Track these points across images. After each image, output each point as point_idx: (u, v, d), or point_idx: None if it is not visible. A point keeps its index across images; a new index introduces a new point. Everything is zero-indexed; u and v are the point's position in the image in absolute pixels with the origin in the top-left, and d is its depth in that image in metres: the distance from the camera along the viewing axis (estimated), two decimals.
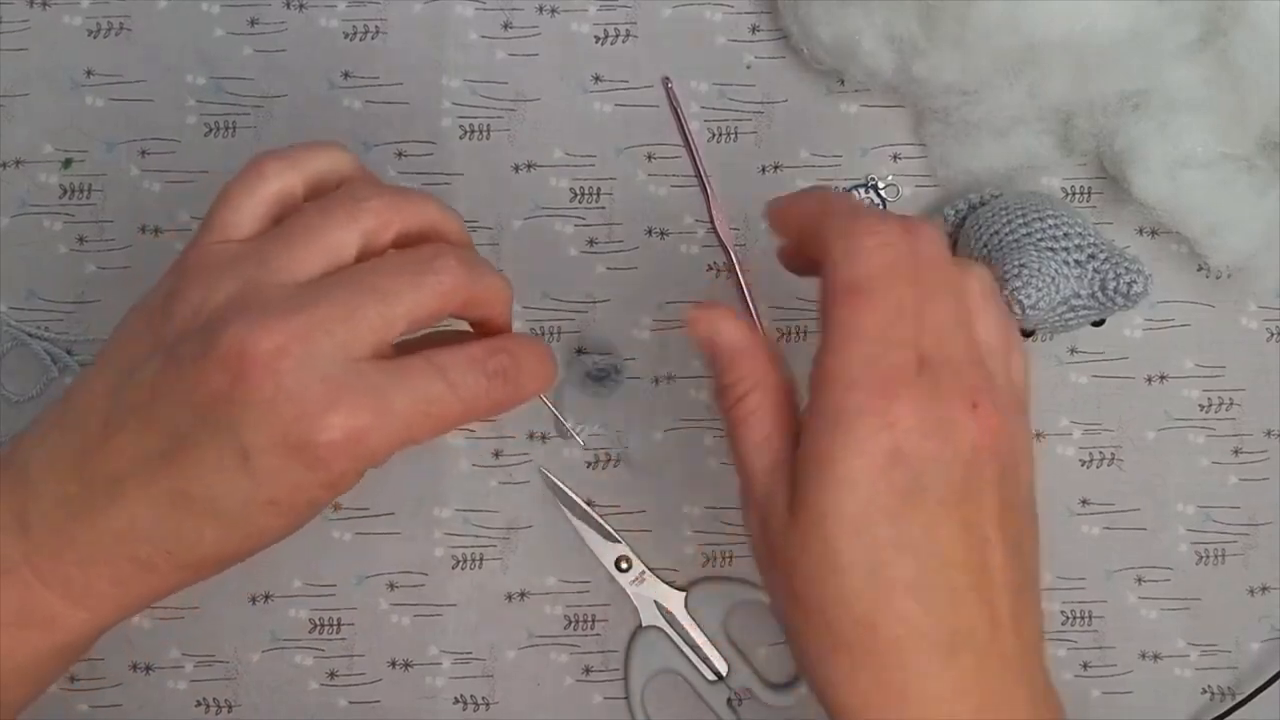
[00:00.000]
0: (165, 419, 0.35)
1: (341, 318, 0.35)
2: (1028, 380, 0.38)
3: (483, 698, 0.55)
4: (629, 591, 0.55)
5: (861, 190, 0.57)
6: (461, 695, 0.55)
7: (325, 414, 0.34)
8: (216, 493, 0.35)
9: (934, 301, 0.35)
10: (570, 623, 0.56)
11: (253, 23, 0.56)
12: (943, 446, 0.33)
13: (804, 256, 0.37)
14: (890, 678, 0.34)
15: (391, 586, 0.55)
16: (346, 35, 0.56)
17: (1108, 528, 0.57)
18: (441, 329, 0.42)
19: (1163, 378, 0.57)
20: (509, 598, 0.56)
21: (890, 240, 0.35)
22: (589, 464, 0.56)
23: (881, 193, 0.57)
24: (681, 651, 0.55)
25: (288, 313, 0.34)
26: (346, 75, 0.56)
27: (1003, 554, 0.35)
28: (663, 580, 0.55)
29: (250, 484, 0.35)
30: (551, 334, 0.56)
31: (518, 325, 0.56)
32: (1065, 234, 0.49)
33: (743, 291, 0.56)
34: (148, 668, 0.54)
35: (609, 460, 0.56)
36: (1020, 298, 0.48)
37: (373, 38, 0.56)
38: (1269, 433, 0.57)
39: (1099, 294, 0.49)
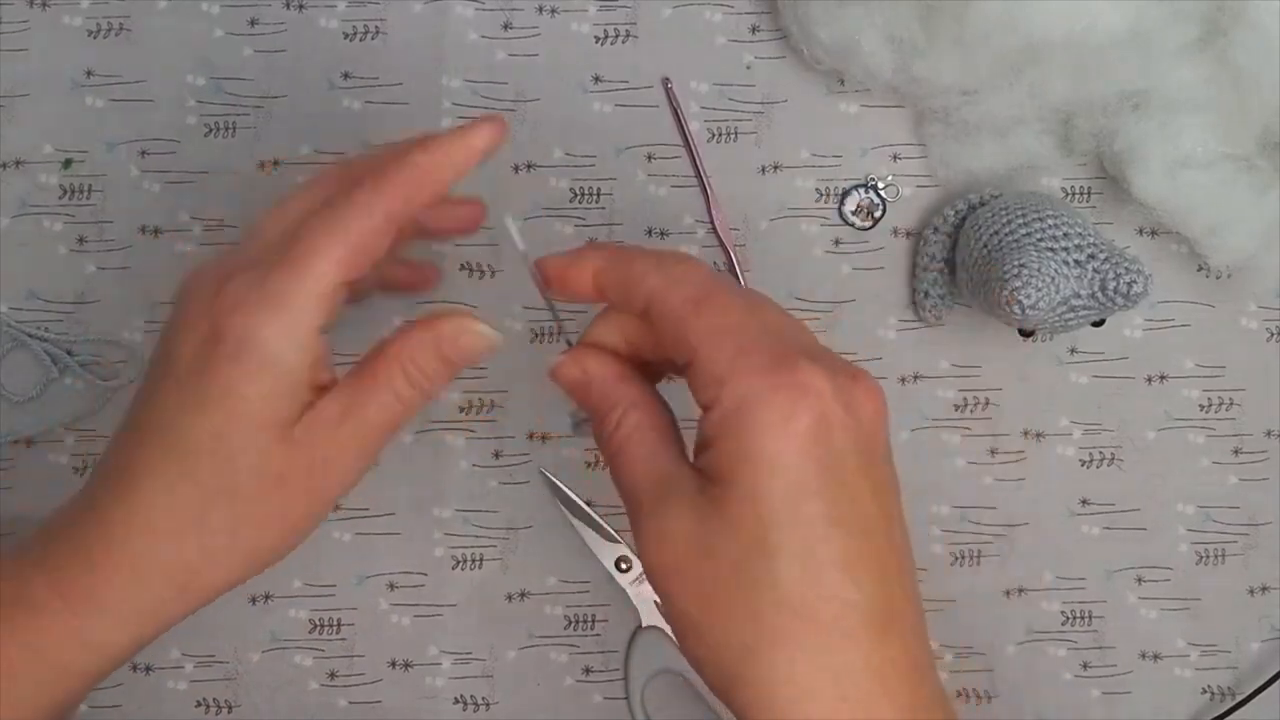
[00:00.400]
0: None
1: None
2: None
3: (483, 698, 0.55)
4: (629, 591, 0.55)
5: (861, 190, 0.57)
6: (461, 695, 0.55)
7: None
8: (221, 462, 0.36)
9: (764, 298, 0.37)
10: (570, 623, 0.56)
11: (253, 23, 0.56)
12: (850, 413, 0.34)
13: (625, 306, 0.38)
14: (830, 661, 0.33)
15: (391, 587, 0.55)
16: (346, 35, 0.56)
17: (1108, 528, 0.57)
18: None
19: (1163, 378, 0.57)
20: (509, 598, 0.56)
21: (694, 260, 0.37)
22: (589, 464, 0.56)
23: (881, 193, 0.57)
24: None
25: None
26: (346, 75, 0.56)
27: (900, 528, 0.35)
28: None
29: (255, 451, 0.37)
30: (551, 334, 0.56)
31: (518, 326, 0.56)
32: (1065, 234, 0.49)
33: None
34: (148, 668, 0.54)
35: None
36: (1020, 298, 0.48)
37: (373, 38, 0.56)
38: (1269, 433, 0.57)
39: (1099, 294, 0.49)
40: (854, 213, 0.57)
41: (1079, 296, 0.49)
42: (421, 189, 0.38)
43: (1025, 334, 0.54)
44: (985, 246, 0.51)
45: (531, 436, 0.56)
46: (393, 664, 0.55)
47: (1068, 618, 0.57)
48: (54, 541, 0.38)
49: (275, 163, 0.56)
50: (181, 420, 0.37)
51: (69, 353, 0.55)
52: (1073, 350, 0.57)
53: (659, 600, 0.36)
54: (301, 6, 0.56)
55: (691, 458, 0.36)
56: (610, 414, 0.37)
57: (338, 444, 0.38)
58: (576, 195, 0.56)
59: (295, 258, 0.37)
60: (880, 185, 0.57)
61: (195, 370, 0.37)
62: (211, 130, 0.56)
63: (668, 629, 0.55)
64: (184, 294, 0.39)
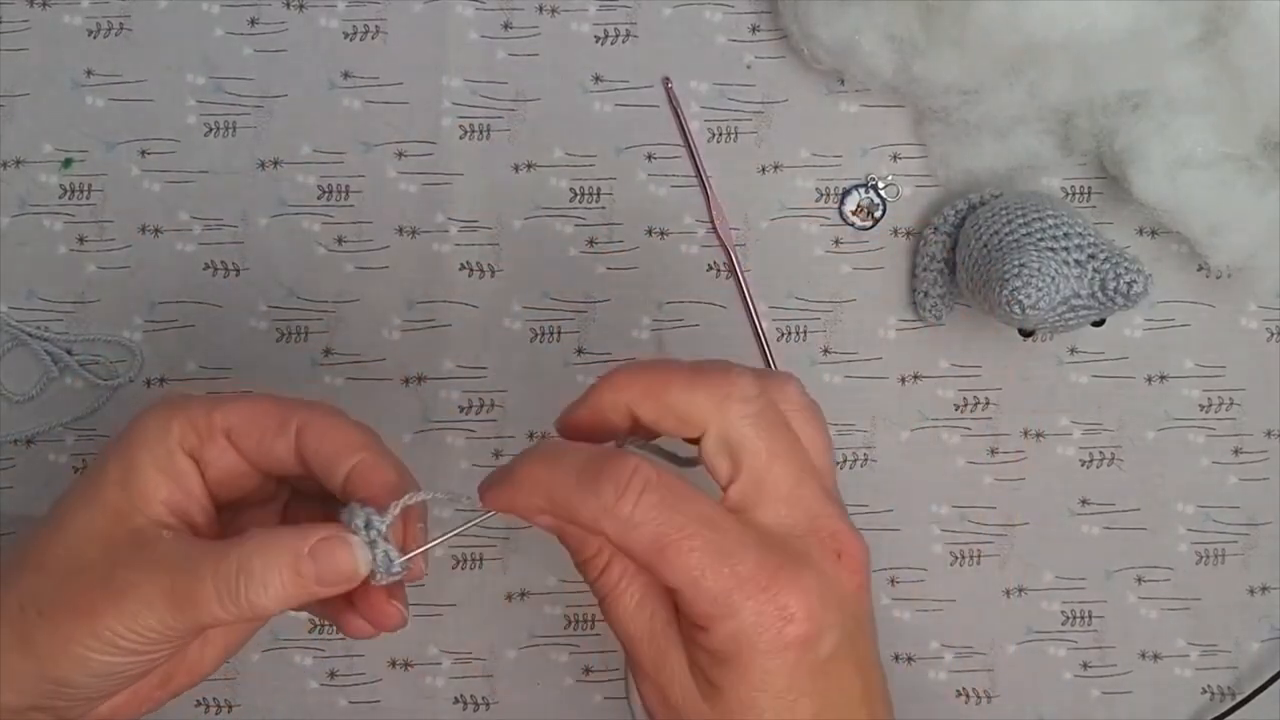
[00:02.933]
0: None
1: None
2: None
3: (483, 698, 0.55)
4: None
5: (861, 190, 0.57)
6: (461, 695, 0.55)
7: None
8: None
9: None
10: (570, 623, 0.56)
11: (253, 23, 0.56)
12: (833, 611, 0.34)
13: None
14: None
15: None
16: (346, 35, 0.56)
17: (1108, 528, 0.57)
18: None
19: (1163, 378, 0.57)
20: (509, 598, 0.56)
21: (642, 475, 0.33)
22: None
23: (881, 193, 0.57)
24: None
25: None
26: (346, 75, 0.56)
27: (879, 671, 0.36)
28: None
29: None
30: (551, 334, 0.56)
31: (519, 326, 0.56)
32: (1065, 234, 0.49)
33: (743, 291, 0.56)
34: None
35: None
36: (1020, 298, 0.48)
37: (373, 38, 0.56)
38: (1269, 433, 0.57)
39: (1099, 294, 0.49)
40: (854, 213, 0.57)
41: (1079, 296, 0.49)
42: (336, 445, 0.38)
43: (1025, 334, 0.54)
44: (985, 246, 0.51)
45: (531, 436, 0.56)
46: (393, 664, 0.55)
47: (1068, 618, 0.57)
48: None
49: (275, 163, 0.56)
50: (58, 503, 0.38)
51: (69, 352, 0.55)
52: (1073, 350, 0.57)
53: None
54: (301, 6, 0.56)
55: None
56: (594, 560, 0.36)
57: (155, 577, 0.35)
58: (576, 195, 0.56)
59: (208, 397, 0.38)
60: (880, 185, 0.57)
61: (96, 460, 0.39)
62: (211, 130, 0.56)
63: None
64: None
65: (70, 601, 0.36)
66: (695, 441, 0.35)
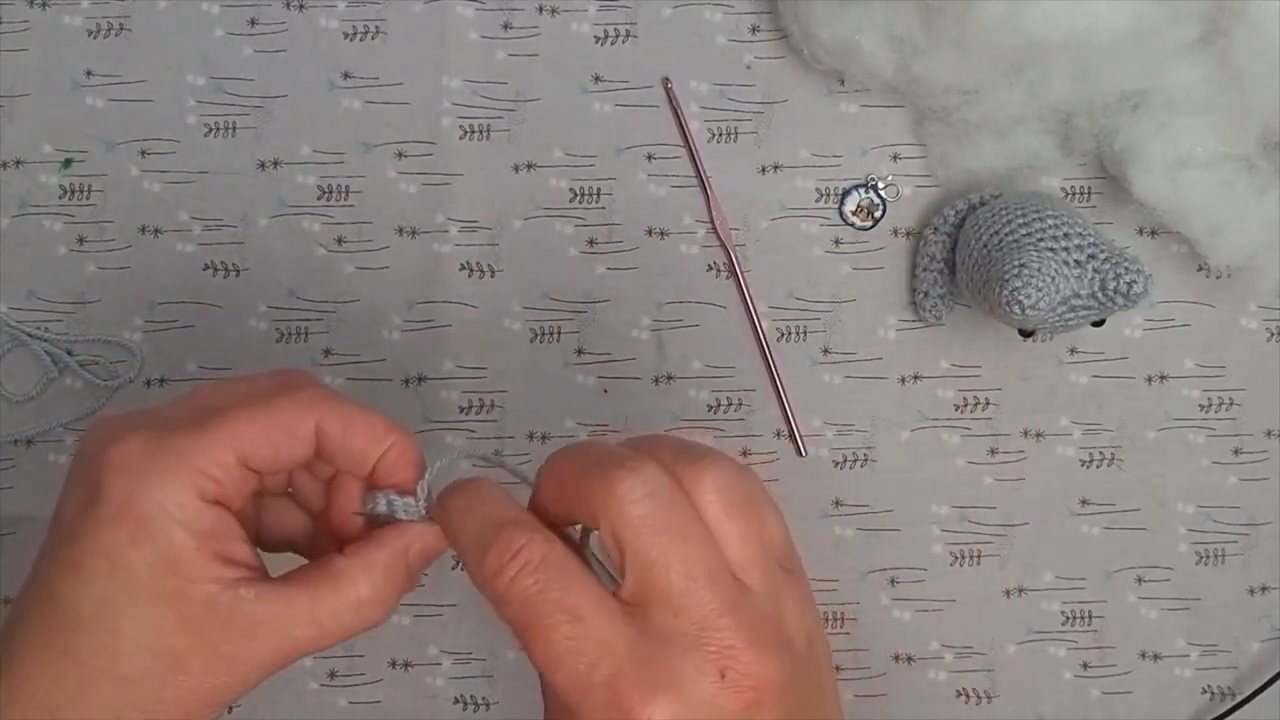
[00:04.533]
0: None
1: None
2: (792, 541, 0.36)
3: (483, 698, 0.55)
4: None
5: (861, 190, 0.57)
6: (461, 695, 0.55)
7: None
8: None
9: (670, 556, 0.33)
10: None
11: (253, 23, 0.56)
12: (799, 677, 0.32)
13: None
14: None
15: None
16: (346, 35, 0.56)
17: (1108, 528, 0.57)
18: None
19: (1163, 378, 0.57)
20: None
21: (524, 564, 0.32)
22: None
23: (881, 193, 0.57)
24: None
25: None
26: (346, 75, 0.56)
27: (834, 702, 0.35)
28: None
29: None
30: (551, 334, 0.56)
31: (518, 326, 0.56)
32: (1065, 234, 0.49)
33: (743, 291, 0.56)
34: None
35: None
36: (1020, 298, 0.48)
37: (373, 38, 0.56)
38: (1269, 433, 0.57)
39: (1099, 294, 0.49)
40: (854, 213, 0.57)
41: (1079, 296, 0.49)
42: (362, 437, 0.37)
43: (1025, 334, 0.54)
44: (985, 246, 0.51)
45: (531, 436, 0.56)
46: (393, 664, 0.55)
47: (1068, 618, 0.57)
48: None
49: (275, 163, 0.56)
50: (62, 586, 0.34)
51: (69, 353, 0.55)
52: (1073, 350, 0.57)
53: None
54: (301, 6, 0.56)
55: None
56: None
57: (257, 638, 0.35)
58: (576, 195, 0.56)
59: (207, 426, 0.35)
60: (880, 185, 0.57)
61: (76, 533, 0.34)
62: (211, 130, 0.56)
63: None
64: (77, 448, 0.36)
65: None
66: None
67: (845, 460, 0.56)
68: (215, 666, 0.35)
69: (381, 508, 0.37)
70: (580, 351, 0.56)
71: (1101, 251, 0.49)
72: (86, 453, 0.35)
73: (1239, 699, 0.56)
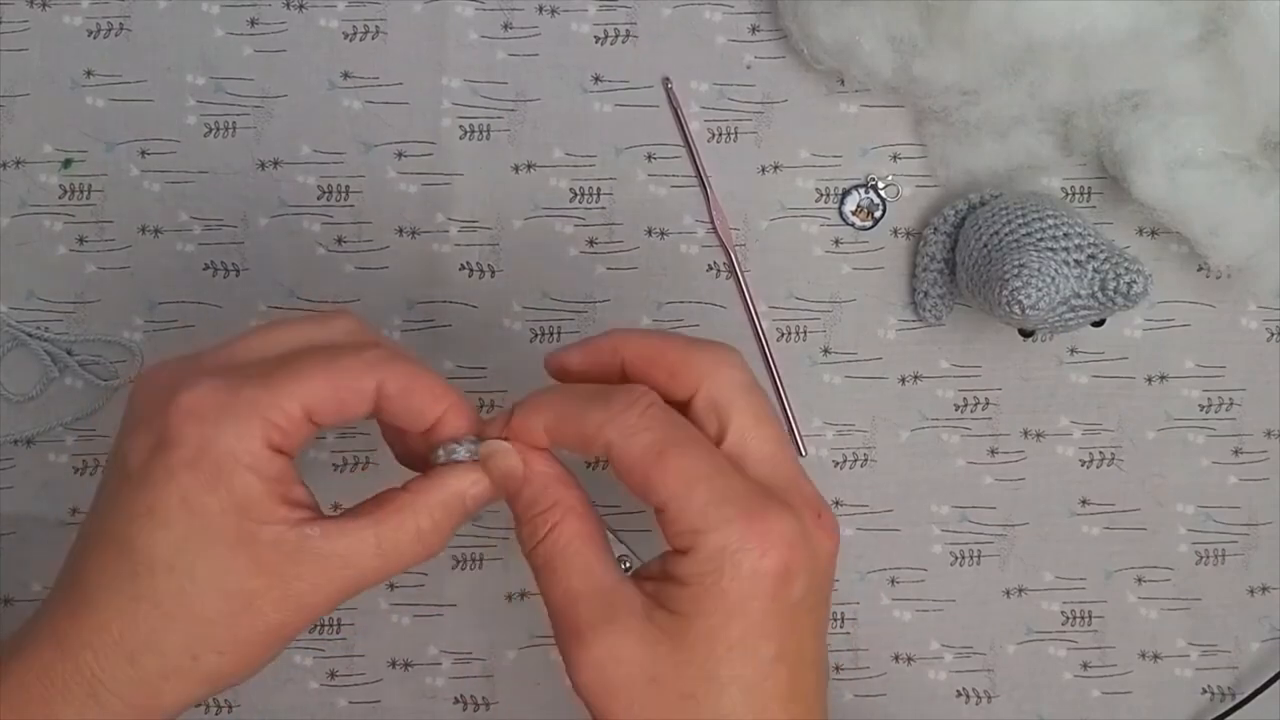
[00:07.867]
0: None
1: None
2: None
3: (483, 698, 0.55)
4: None
5: (861, 190, 0.57)
6: (461, 695, 0.55)
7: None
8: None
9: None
10: None
11: (253, 23, 0.56)
12: (811, 559, 0.35)
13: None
14: None
15: (391, 586, 0.55)
16: (346, 35, 0.56)
17: (1108, 528, 0.57)
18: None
19: (1163, 378, 0.57)
20: (509, 598, 0.56)
21: (647, 400, 0.36)
22: (589, 464, 0.56)
23: (881, 193, 0.57)
24: None
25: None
26: (346, 75, 0.56)
27: (824, 652, 0.37)
28: None
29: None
30: (551, 334, 0.56)
31: (518, 326, 0.56)
32: (1065, 234, 0.49)
33: (743, 291, 0.56)
34: None
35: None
36: (1020, 298, 0.48)
37: (373, 38, 0.56)
38: (1269, 433, 0.57)
39: (1099, 294, 0.49)
40: (854, 213, 0.57)
41: (1079, 296, 0.49)
42: (421, 397, 0.38)
43: (1025, 334, 0.54)
44: (985, 246, 0.51)
45: None
46: (393, 664, 0.55)
47: (1068, 618, 0.57)
48: (12, 659, 0.36)
49: (275, 163, 0.56)
50: (135, 532, 0.35)
51: (69, 353, 0.55)
52: (1073, 350, 0.57)
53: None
54: (301, 6, 0.56)
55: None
56: (544, 517, 0.37)
57: (326, 572, 0.36)
58: (576, 195, 0.56)
59: (278, 378, 0.35)
60: (880, 185, 0.57)
61: (148, 478, 0.35)
62: (211, 130, 0.56)
63: None
64: (136, 393, 0.37)
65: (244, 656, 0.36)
66: (679, 405, 0.37)
67: (845, 460, 0.56)
68: (286, 604, 0.36)
69: (455, 456, 0.38)
70: None
71: (1101, 251, 0.49)
72: (150, 398, 0.36)
73: (1239, 699, 0.56)
